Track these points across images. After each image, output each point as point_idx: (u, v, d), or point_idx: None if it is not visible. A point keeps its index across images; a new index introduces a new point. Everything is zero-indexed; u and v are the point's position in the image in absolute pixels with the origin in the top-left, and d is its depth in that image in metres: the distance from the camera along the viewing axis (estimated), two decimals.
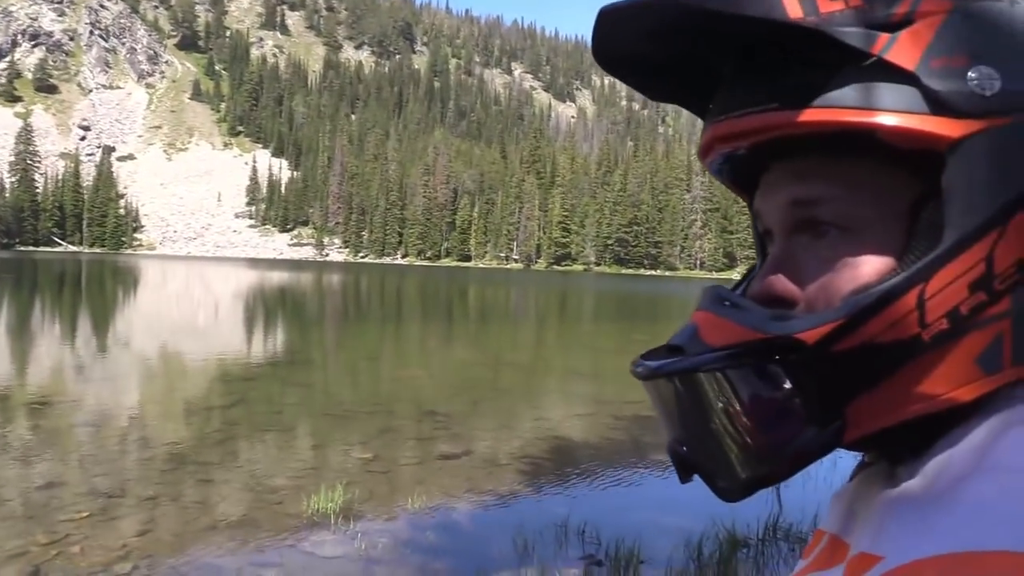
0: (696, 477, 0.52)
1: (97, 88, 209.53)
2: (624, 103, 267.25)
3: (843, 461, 0.54)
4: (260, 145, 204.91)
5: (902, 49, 0.47)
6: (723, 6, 0.48)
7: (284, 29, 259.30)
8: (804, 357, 0.48)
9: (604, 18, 0.53)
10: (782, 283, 0.53)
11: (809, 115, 0.48)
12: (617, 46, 0.56)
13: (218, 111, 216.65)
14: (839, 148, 0.51)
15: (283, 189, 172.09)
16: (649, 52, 0.56)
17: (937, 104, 0.46)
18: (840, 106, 0.48)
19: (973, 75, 0.46)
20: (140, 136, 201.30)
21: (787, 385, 0.48)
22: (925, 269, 0.46)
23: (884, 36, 0.47)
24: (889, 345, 0.47)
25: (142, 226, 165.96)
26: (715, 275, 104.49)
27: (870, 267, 0.49)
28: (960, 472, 0.44)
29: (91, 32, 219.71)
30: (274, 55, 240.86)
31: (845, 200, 0.51)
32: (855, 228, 0.50)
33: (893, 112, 0.47)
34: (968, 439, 0.46)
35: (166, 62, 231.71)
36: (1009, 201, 0.46)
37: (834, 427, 0.48)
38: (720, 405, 0.50)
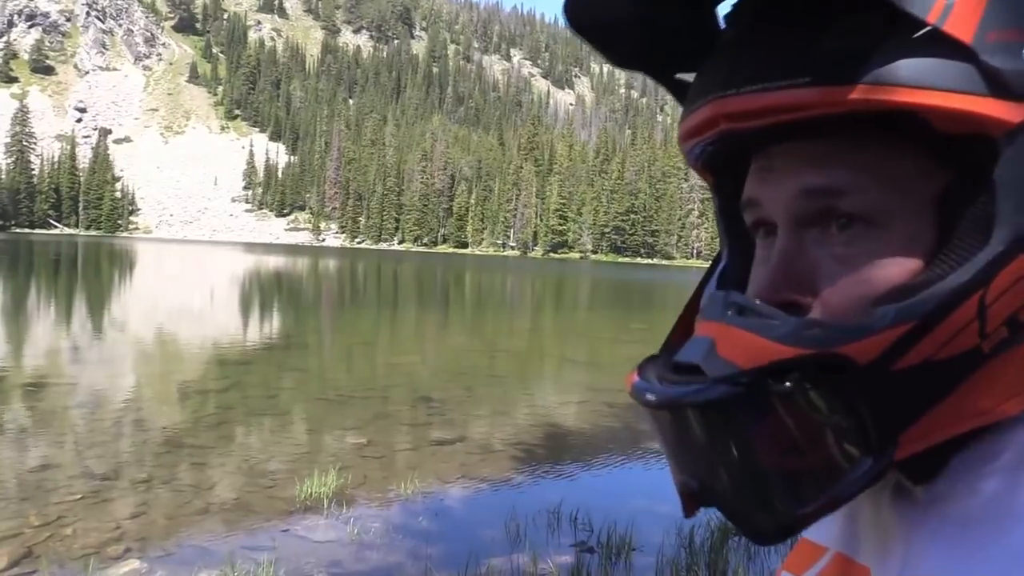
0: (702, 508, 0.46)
1: (94, 70, 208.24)
2: (623, 91, 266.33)
3: None
4: (257, 129, 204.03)
5: (959, 18, 0.40)
6: None
7: (282, 12, 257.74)
8: (856, 377, 0.41)
9: None
10: (789, 284, 0.47)
11: (853, 93, 0.41)
12: (587, 9, 0.50)
13: (215, 94, 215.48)
14: (865, 130, 0.44)
15: (280, 174, 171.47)
16: (624, 13, 0.50)
17: (997, 84, 0.40)
18: (891, 83, 0.41)
19: None
20: (137, 119, 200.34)
21: (837, 411, 0.41)
22: (985, 271, 0.40)
23: (941, 1, 0.40)
24: (950, 359, 0.41)
25: (138, 209, 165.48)
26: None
27: (899, 267, 0.43)
28: (1013, 492, 0.40)
29: (88, 13, 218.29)
30: (272, 38, 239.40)
31: (871, 190, 0.44)
32: (880, 222, 0.44)
33: (950, 92, 0.40)
34: (1013, 453, 0.42)
35: (163, 44, 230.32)
36: None
37: (888, 454, 0.42)
38: (754, 437, 0.42)
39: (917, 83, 0.40)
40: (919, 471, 0.46)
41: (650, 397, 0.45)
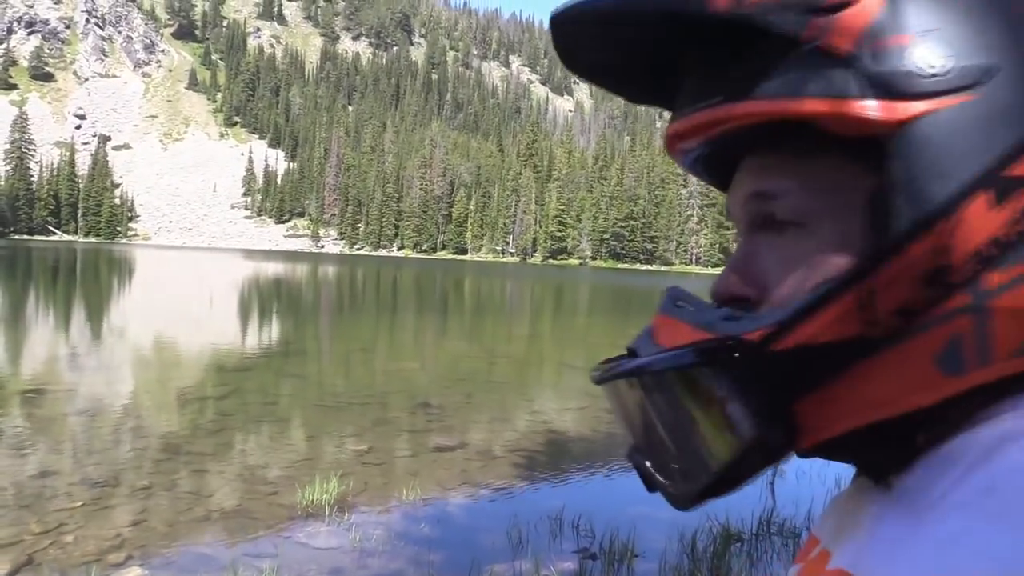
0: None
1: (93, 76, 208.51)
2: None
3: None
4: (256, 136, 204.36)
5: (838, 32, 0.44)
6: (638, 5, 0.49)
7: (281, 19, 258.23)
8: (746, 357, 0.45)
9: (556, 31, 0.53)
10: (740, 281, 0.51)
11: (746, 107, 0.47)
12: (579, 55, 0.55)
13: (214, 101, 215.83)
14: (799, 142, 0.49)
15: (279, 180, 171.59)
16: (611, 58, 0.55)
17: (877, 87, 0.43)
18: (773, 96, 0.46)
19: (921, 52, 0.43)
20: (136, 125, 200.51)
21: (728, 387, 0.45)
22: (870, 263, 0.43)
23: (819, 20, 0.44)
24: (833, 345, 0.44)
25: (137, 216, 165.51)
26: (711, 270, 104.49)
27: (828, 264, 0.46)
28: (944, 492, 0.41)
29: (87, 20, 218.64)
30: (271, 45, 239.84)
31: (798, 194, 0.49)
32: (811, 224, 0.48)
33: (825, 98, 0.44)
34: (954, 453, 0.42)
35: (162, 51, 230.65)
36: (960, 188, 0.42)
37: (779, 432, 0.46)
38: (665, 409, 0.48)
39: (794, 93, 0.45)
40: (886, 468, 0.48)
41: (593, 374, 0.52)
